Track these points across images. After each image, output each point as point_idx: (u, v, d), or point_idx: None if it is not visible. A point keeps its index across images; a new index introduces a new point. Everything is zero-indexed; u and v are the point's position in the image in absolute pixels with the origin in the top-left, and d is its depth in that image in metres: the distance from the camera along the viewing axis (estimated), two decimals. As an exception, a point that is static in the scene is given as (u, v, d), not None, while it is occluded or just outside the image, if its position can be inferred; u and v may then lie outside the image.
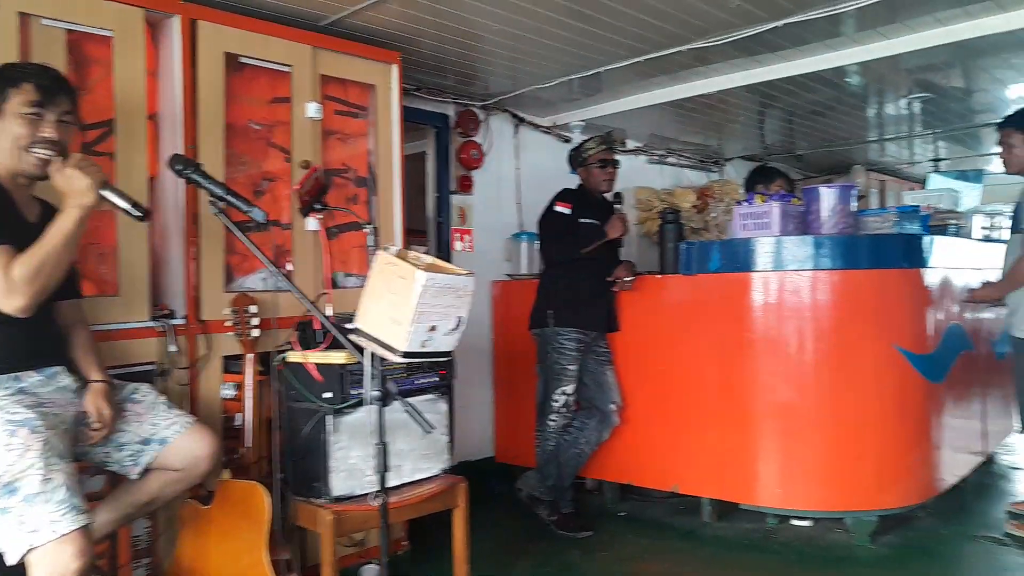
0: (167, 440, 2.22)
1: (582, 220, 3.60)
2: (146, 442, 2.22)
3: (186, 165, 2.19)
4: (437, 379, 2.83)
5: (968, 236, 4.30)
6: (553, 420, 3.61)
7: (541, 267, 3.97)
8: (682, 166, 6.71)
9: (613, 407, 3.70)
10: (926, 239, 3.62)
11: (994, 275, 3.79)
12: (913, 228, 3.64)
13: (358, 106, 3.43)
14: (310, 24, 3.28)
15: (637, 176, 6.18)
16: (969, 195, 6.32)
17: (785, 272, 3.42)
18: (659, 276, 3.92)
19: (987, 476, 4.35)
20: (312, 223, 3.05)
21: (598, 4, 3.27)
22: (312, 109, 3.13)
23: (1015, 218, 3.49)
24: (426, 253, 2.00)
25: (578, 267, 3.63)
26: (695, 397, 3.66)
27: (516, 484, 3.84)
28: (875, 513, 3.37)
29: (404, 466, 2.69)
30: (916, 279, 3.52)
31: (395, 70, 3.47)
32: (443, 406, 2.86)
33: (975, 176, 6.54)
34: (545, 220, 3.66)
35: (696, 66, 4.25)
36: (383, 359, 1.93)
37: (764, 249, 3.47)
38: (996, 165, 6.03)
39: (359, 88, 3.42)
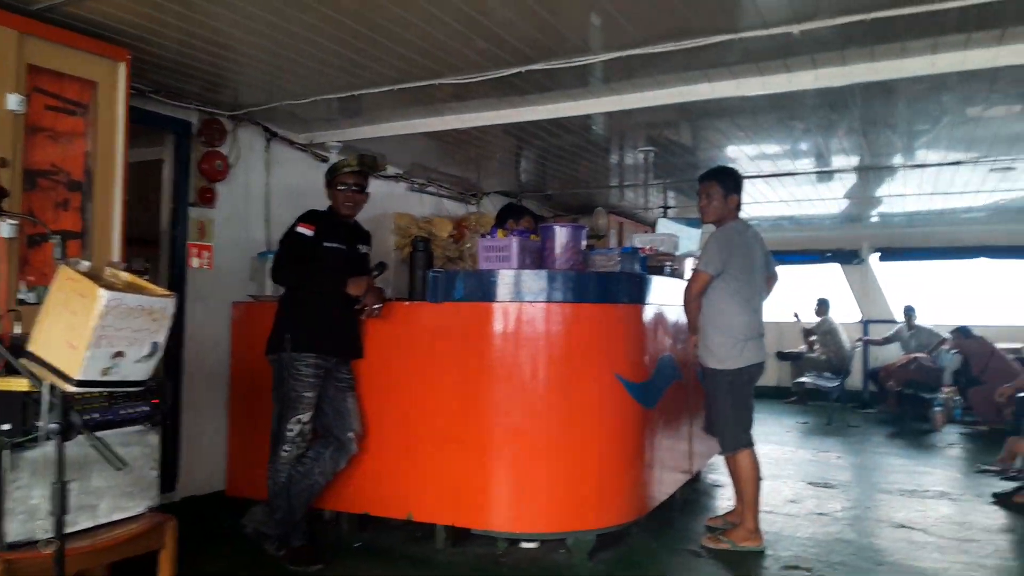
0: None
1: (326, 244, 3.52)
2: None
3: None
4: (148, 409, 2.58)
5: (681, 276, 4.81)
6: (286, 450, 3.46)
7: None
8: (442, 196, 6.86)
9: (352, 435, 3.63)
10: (644, 278, 4.00)
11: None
12: (634, 267, 4.00)
13: (75, 103, 3.10)
14: (18, 7, 2.90)
15: (398, 202, 6.22)
16: (689, 239, 7.12)
17: (522, 303, 3.59)
18: (407, 303, 3.94)
19: (693, 493, 4.85)
20: (3, 229, 2.68)
21: (353, 30, 3.26)
22: (13, 101, 2.78)
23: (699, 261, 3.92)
24: (147, 269, 1.83)
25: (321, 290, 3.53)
26: (434, 424, 3.70)
27: (242, 520, 3.61)
28: (594, 532, 3.61)
29: (100, 505, 2.41)
30: (635, 314, 3.87)
31: (123, 68, 3.20)
32: (154, 438, 2.61)
33: (695, 223, 7.36)
34: (284, 241, 3.52)
35: (453, 102, 4.37)
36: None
37: (503, 281, 3.61)
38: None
39: (78, 84, 3.10)
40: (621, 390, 3.70)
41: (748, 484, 3.77)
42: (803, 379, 8.74)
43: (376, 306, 3.63)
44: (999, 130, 4.88)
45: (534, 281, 3.60)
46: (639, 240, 5.44)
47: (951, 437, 7.20)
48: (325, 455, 3.56)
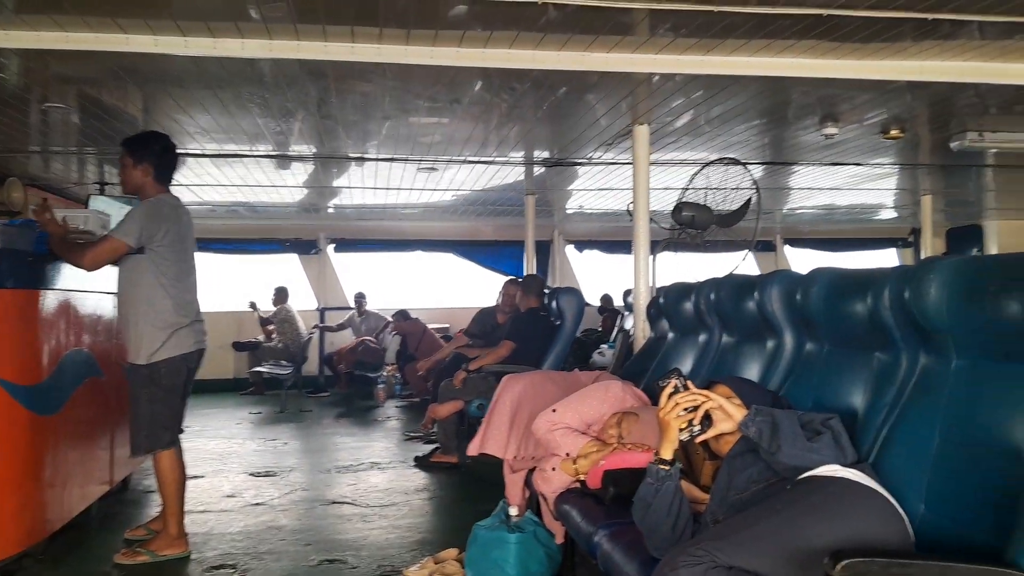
0: None
1: None
2: None
3: None
4: None
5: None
6: None
7: None
8: None
9: None
10: (39, 258, 3.31)
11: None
12: (24, 245, 3.27)
13: None
14: None
15: None
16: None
17: None
18: None
19: (118, 504, 4.27)
20: None
21: None
22: None
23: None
24: None
25: None
26: None
27: None
28: (-42, 578, 2.83)
29: None
30: (23, 301, 3.16)
31: None
32: None
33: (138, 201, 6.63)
34: None
35: None
36: None
37: None
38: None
39: None
40: (3, 396, 2.98)
41: (170, 487, 3.41)
42: (260, 368, 8.66)
43: None
44: (421, 133, 5.43)
45: None
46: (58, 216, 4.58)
47: (391, 411, 7.91)
48: None
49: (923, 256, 8.71)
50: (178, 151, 5.63)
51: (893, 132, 5.30)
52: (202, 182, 7.06)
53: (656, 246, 4.99)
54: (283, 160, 6.39)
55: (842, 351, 2.23)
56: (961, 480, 1.59)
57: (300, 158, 6.33)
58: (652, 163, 5.45)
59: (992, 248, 10.01)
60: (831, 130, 5.15)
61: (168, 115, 4.91)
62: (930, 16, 3.33)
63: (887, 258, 11.31)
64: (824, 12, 3.27)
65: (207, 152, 5.90)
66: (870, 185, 7.70)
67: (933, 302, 1.73)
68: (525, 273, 8.45)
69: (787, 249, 11.24)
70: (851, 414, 2.02)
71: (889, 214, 10.02)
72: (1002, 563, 1.33)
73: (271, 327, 9.16)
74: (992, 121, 5.13)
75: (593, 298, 9.92)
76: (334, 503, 4.32)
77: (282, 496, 4.47)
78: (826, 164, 6.57)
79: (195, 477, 4.85)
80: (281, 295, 9.20)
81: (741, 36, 3.60)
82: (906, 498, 1.64)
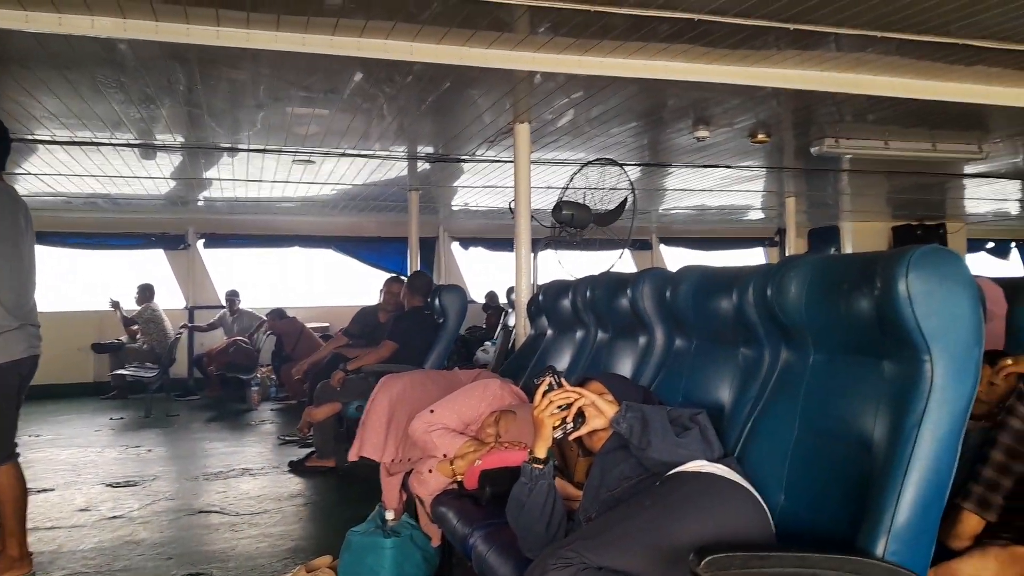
0: None
1: None
2: None
3: None
4: None
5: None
6: None
7: None
8: None
9: None
10: None
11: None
12: None
13: None
14: None
15: None
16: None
17: None
18: None
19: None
20: None
21: None
22: None
23: None
24: None
25: None
26: None
27: None
28: None
29: None
30: None
31: None
32: None
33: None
34: None
35: None
36: None
37: None
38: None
39: None
40: None
41: (8, 505, 3.09)
42: (123, 371, 8.10)
43: None
44: (296, 123, 5.21)
45: None
46: None
47: (265, 414, 7.59)
48: None
49: (787, 255, 9.22)
50: (27, 137, 5.29)
51: (760, 136, 5.55)
52: (55, 171, 6.52)
53: (538, 244, 5.01)
54: (147, 149, 5.98)
55: (710, 347, 2.29)
56: (817, 470, 1.65)
57: (165, 148, 5.95)
58: (534, 162, 5.48)
59: (848, 247, 10.74)
60: (703, 133, 5.33)
61: (11, 97, 4.47)
62: (791, 26, 3.50)
63: (755, 256, 11.93)
64: (695, 17, 3.37)
65: (58, 139, 5.44)
66: (739, 187, 8.07)
67: (792, 299, 1.79)
68: (409, 270, 8.32)
69: (663, 248, 11.64)
70: (718, 408, 2.07)
71: (757, 215, 10.55)
72: (854, 551, 1.38)
73: (135, 327, 8.59)
74: (847, 129, 5.47)
75: (480, 295, 9.92)
76: (201, 512, 4.08)
77: (143, 507, 4.18)
78: (698, 166, 6.82)
79: (43, 491, 4.50)
80: (146, 293, 8.64)
81: (617, 37, 3.66)
82: (768, 490, 1.69)
